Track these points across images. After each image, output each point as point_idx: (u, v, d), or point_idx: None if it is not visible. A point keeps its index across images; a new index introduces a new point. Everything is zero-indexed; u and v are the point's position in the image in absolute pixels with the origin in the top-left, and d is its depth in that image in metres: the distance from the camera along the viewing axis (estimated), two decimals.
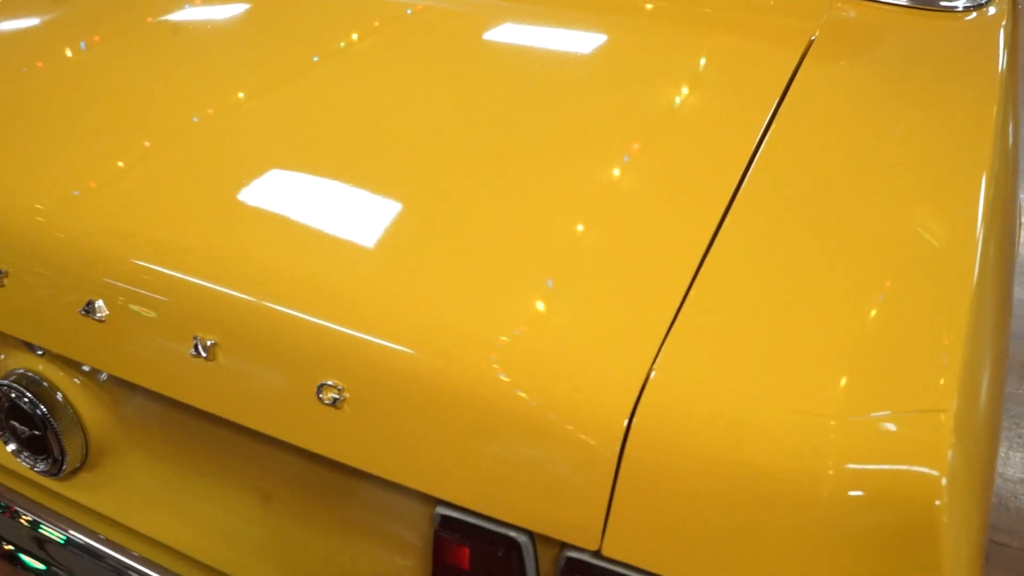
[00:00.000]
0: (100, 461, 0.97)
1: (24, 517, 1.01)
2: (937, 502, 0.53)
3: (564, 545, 0.67)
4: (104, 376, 0.94)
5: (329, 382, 0.68)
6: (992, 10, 1.20)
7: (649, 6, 1.25)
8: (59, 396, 0.93)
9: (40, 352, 0.95)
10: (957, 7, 1.19)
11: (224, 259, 0.76)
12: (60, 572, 0.98)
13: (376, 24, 1.22)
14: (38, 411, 0.92)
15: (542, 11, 1.25)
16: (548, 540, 0.69)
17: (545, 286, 0.70)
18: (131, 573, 0.94)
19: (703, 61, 1.07)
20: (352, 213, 0.81)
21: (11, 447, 0.99)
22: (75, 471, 0.98)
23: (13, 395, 0.93)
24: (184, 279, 0.75)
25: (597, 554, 0.64)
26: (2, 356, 0.99)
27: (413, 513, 0.78)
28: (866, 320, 0.64)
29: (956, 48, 1.11)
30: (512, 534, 0.68)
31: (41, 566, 0.99)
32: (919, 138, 0.89)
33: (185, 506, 0.93)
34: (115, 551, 0.96)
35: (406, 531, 0.79)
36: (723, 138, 0.88)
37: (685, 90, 0.99)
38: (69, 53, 1.19)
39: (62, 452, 0.94)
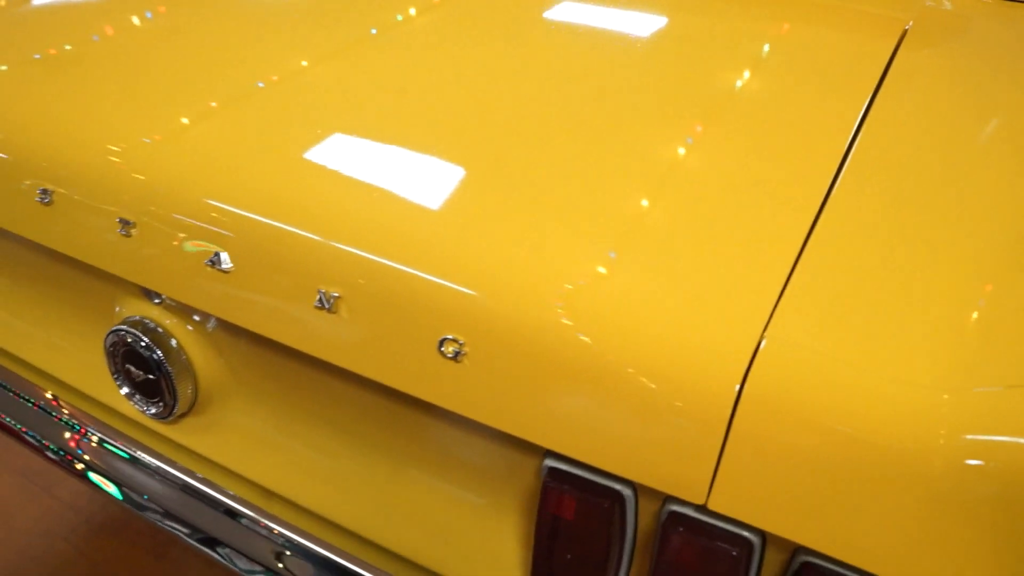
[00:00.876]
0: (207, 406, 1.03)
1: (130, 456, 1.07)
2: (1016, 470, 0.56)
3: (667, 500, 0.71)
4: (214, 325, 0.99)
5: (450, 336, 0.72)
6: None
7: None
8: (173, 343, 0.99)
9: (157, 301, 1.00)
10: None
11: (352, 218, 0.80)
12: (158, 510, 1.04)
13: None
14: (154, 356, 0.98)
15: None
16: (649, 495, 0.73)
17: (661, 253, 0.73)
18: (233, 513, 1.00)
19: (806, 45, 1.09)
20: (463, 179, 0.85)
21: (124, 390, 1.04)
22: (183, 415, 1.04)
23: (130, 340, 0.99)
24: (311, 237, 0.79)
25: (700, 508, 0.68)
26: (119, 306, 1.05)
27: (517, 465, 0.82)
28: (974, 295, 0.67)
29: None
30: (617, 487, 0.72)
31: (144, 503, 1.05)
32: (1018, 123, 0.91)
33: (287, 451, 0.98)
34: (214, 490, 1.02)
35: (510, 482, 0.83)
36: (826, 117, 0.91)
37: (789, 71, 1.01)
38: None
39: (174, 396, 1.00)
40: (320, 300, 0.78)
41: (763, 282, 0.69)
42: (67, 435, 1.11)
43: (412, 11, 1.23)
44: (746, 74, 1.03)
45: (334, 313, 0.78)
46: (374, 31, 1.18)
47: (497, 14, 1.23)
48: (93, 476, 1.08)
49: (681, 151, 0.87)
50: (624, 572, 0.77)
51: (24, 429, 1.16)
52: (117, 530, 1.87)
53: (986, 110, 0.93)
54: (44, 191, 0.96)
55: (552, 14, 1.21)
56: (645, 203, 0.79)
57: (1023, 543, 0.56)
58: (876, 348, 0.63)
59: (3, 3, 1.36)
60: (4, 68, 1.12)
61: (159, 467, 1.04)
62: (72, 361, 1.14)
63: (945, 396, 0.59)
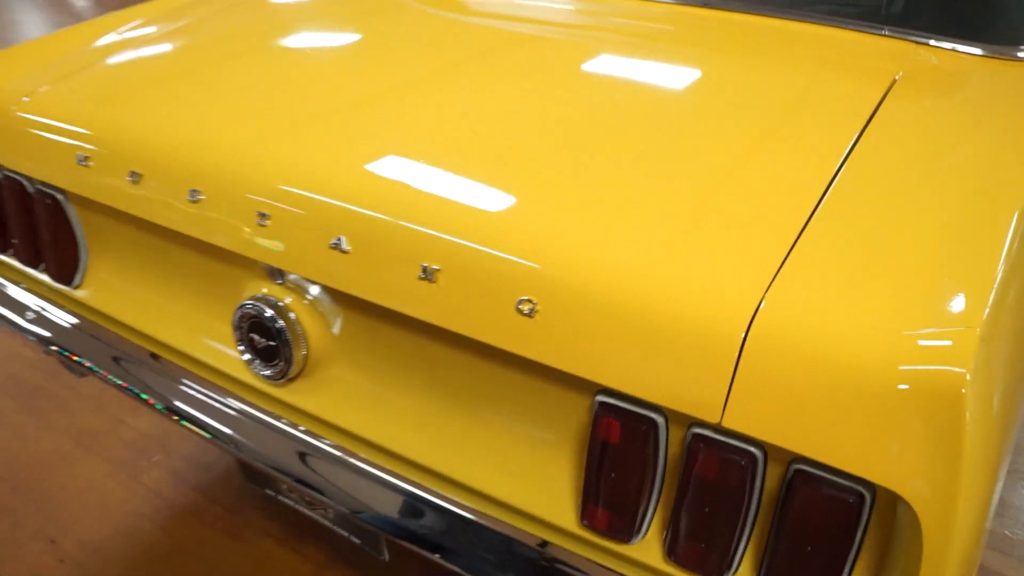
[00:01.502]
0: (314, 369, 1.26)
1: (244, 413, 1.30)
2: (963, 390, 0.77)
3: (691, 424, 0.93)
4: (324, 299, 1.22)
5: (525, 297, 0.95)
6: None
7: (737, 45, 1.51)
8: (291, 315, 1.22)
9: (279, 281, 1.24)
10: (1021, 56, 1.42)
11: (447, 208, 1.03)
12: (269, 457, 1.27)
13: (536, 39, 1.51)
14: (276, 326, 1.21)
15: (660, 47, 1.52)
16: (678, 423, 0.94)
17: (694, 230, 0.96)
18: (333, 458, 1.22)
19: (811, 85, 1.32)
20: (527, 180, 1.08)
21: (246, 356, 1.28)
22: (293, 378, 1.26)
23: (256, 312, 1.23)
24: (414, 227, 1.03)
25: (717, 428, 0.90)
26: (245, 286, 1.28)
27: (572, 404, 1.04)
28: (917, 274, 0.89)
29: (1018, 93, 1.34)
30: (652, 414, 0.94)
31: (259, 455, 1.28)
32: (984, 151, 1.13)
33: (383, 404, 1.21)
34: (316, 440, 1.24)
35: (566, 419, 1.05)
36: (826, 137, 1.14)
37: (795, 111, 1.24)
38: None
39: (289, 361, 1.23)
40: (423, 272, 1.01)
41: (769, 254, 0.91)
42: (191, 394, 1.35)
43: (490, 47, 1.48)
44: (760, 110, 1.26)
45: (434, 283, 1.01)
46: (459, 62, 1.43)
47: (557, 56, 1.48)
48: (212, 425, 1.31)
49: (705, 163, 1.09)
50: (659, 487, 0.98)
51: (150, 398, 1.39)
52: (197, 512, 2.09)
53: (954, 150, 1.15)
54: (192, 192, 1.21)
55: (590, 65, 1.45)
56: (679, 195, 1.02)
57: (941, 439, 0.77)
58: (849, 304, 0.85)
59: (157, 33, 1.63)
60: (158, 89, 1.38)
61: (271, 422, 1.27)
62: (200, 335, 1.38)
63: (891, 336, 0.81)
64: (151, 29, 1.71)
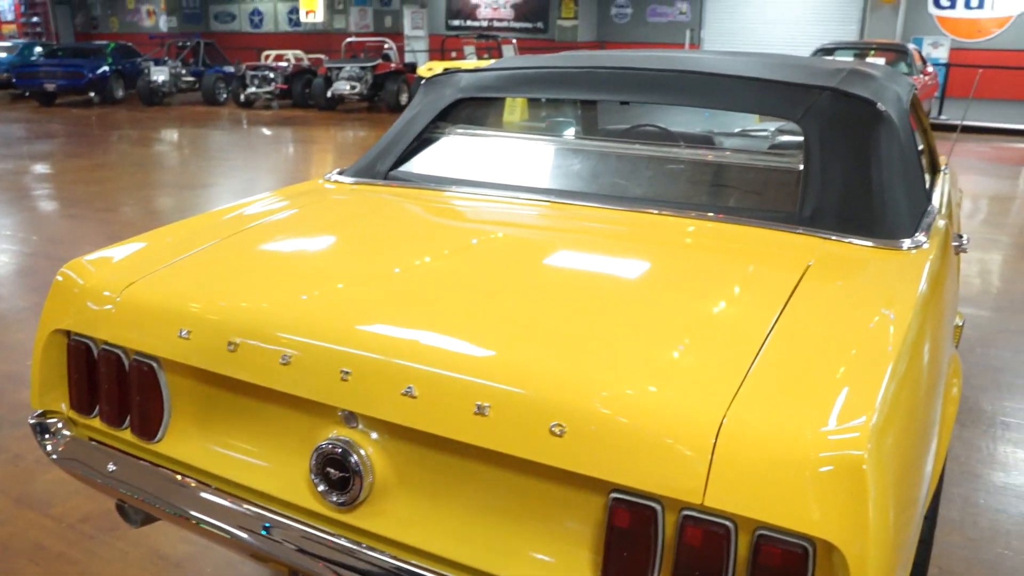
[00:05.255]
0: (378, 497, 1.58)
1: (316, 539, 1.61)
2: (863, 466, 1.15)
3: (681, 509, 1.28)
4: (386, 438, 1.56)
5: (556, 422, 1.32)
6: (926, 246, 1.92)
7: (689, 241, 1.98)
8: (362, 452, 1.56)
9: (352, 424, 1.58)
10: (903, 247, 1.90)
11: (492, 360, 1.42)
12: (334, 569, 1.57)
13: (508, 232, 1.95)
14: (350, 460, 1.55)
15: (625, 245, 1.98)
16: (672, 509, 1.29)
17: (673, 369, 1.35)
18: (386, 568, 1.53)
19: (748, 267, 1.77)
20: (557, 337, 1.47)
21: (321, 488, 1.60)
22: (359, 504, 1.58)
23: (332, 449, 1.56)
24: (462, 377, 1.40)
25: (700, 508, 1.25)
26: (321, 428, 1.62)
27: (590, 502, 1.38)
28: (836, 387, 1.29)
29: (897, 272, 1.80)
30: (652, 504, 1.29)
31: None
32: (872, 313, 1.57)
33: (433, 520, 1.53)
34: (379, 554, 1.55)
35: (586, 512, 1.39)
36: (762, 304, 1.56)
37: (739, 281, 1.68)
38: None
39: (359, 490, 1.56)
40: (477, 408, 1.38)
41: (726, 387, 1.30)
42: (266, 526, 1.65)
43: (478, 239, 1.91)
44: (703, 287, 1.68)
45: (486, 416, 1.38)
46: (460, 247, 1.85)
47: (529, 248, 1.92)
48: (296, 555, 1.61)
49: (678, 324, 1.50)
50: (660, 560, 1.31)
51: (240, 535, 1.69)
52: None
53: (852, 312, 1.59)
54: (285, 356, 1.57)
55: (554, 259, 1.89)
56: (661, 350, 1.42)
57: (855, 499, 1.14)
58: (788, 414, 1.24)
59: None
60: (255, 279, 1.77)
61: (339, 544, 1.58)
62: (275, 473, 1.69)
63: (816, 433, 1.19)
64: (235, 225, 2.12)
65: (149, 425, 1.84)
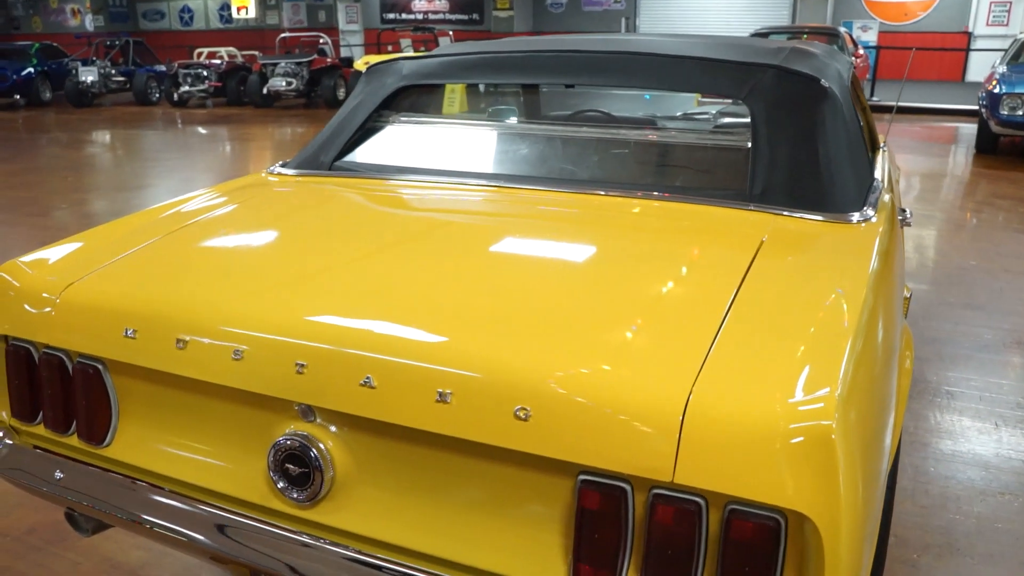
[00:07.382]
0: (340, 491, 1.54)
1: (278, 534, 1.57)
2: (832, 436, 1.15)
3: (651, 487, 1.26)
4: (346, 430, 1.53)
5: (520, 406, 1.30)
6: (874, 220, 1.94)
7: (643, 220, 1.97)
8: (321, 446, 1.52)
9: (311, 419, 1.54)
10: (852, 220, 1.92)
11: (452, 345, 1.39)
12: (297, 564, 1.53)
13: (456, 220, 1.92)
14: (309, 455, 1.51)
15: (566, 226, 1.96)
16: (642, 489, 1.28)
17: (641, 347, 1.34)
18: (351, 561, 1.49)
19: (704, 244, 1.77)
20: (524, 319, 1.45)
21: (280, 484, 1.55)
22: (321, 499, 1.55)
23: (290, 444, 1.52)
24: (427, 367, 1.37)
25: (670, 485, 1.24)
26: (278, 424, 1.58)
27: (557, 485, 1.36)
28: (800, 359, 1.29)
29: (848, 245, 1.81)
30: (620, 484, 1.28)
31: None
32: (828, 284, 1.57)
33: (397, 512, 1.50)
34: (342, 548, 1.52)
35: (554, 496, 1.37)
36: (720, 279, 1.56)
37: (697, 258, 1.67)
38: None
39: (320, 486, 1.52)
40: (439, 396, 1.35)
41: (690, 362, 1.29)
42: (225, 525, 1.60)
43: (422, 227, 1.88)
44: (662, 265, 1.68)
45: (448, 404, 1.35)
46: (412, 239, 1.82)
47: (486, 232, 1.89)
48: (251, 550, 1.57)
49: (643, 302, 1.49)
50: (631, 541, 1.30)
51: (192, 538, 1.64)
52: None
53: (807, 284, 1.59)
54: (236, 351, 1.53)
55: (507, 243, 1.87)
56: (625, 329, 1.41)
57: (824, 469, 1.14)
58: (754, 387, 1.23)
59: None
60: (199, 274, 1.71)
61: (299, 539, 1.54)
62: (232, 472, 1.65)
63: (784, 405, 1.19)
64: (175, 221, 2.06)
65: (97, 429, 1.78)
